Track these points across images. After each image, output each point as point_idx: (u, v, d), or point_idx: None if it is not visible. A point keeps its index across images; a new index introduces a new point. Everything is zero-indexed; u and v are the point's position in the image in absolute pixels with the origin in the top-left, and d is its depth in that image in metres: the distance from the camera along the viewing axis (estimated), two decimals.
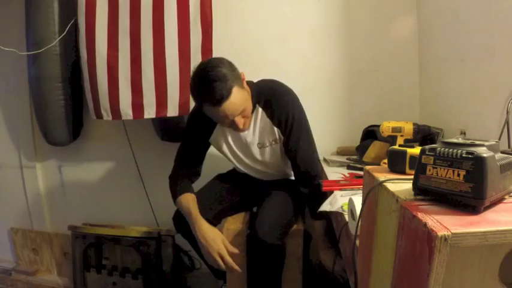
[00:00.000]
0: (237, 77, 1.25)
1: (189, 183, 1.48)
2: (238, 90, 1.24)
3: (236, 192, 1.59)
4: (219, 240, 1.31)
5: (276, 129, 1.40)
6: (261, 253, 1.32)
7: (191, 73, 1.75)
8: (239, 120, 1.28)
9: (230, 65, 1.26)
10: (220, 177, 1.65)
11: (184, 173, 1.48)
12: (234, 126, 1.32)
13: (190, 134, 1.48)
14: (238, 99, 1.24)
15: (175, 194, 1.44)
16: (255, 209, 1.64)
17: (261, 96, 1.38)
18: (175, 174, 1.50)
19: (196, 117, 1.43)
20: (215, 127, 1.44)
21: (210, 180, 1.64)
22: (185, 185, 1.46)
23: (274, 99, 1.38)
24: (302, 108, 1.43)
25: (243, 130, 1.35)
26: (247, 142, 1.44)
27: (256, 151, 1.46)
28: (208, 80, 1.20)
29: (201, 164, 1.51)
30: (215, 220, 1.50)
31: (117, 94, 1.78)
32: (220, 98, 1.20)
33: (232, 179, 1.61)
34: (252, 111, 1.37)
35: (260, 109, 1.39)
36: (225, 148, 1.48)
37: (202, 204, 1.43)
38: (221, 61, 1.25)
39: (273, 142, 1.44)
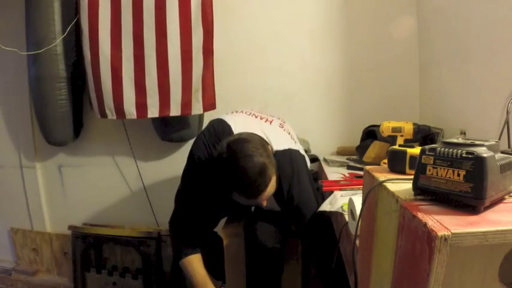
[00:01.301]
0: (272, 162, 1.15)
1: (194, 240, 1.38)
2: (273, 179, 1.15)
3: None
4: None
5: (276, 204, 1.35)
6: (261, 256, 1.32)
7: (196, 71, 1.74)
8: (266, 201, 1.20)
9: (263, 147, 1.14)
10: None
11: (189, 226, 1.38)
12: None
13: (195, 194, 1.35)
14: (272, 187, 1.16)
15: (181, 251, 1.35)
16: (253, 209, 1.64)
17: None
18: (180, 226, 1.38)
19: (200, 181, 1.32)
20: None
21: None
22: (192, 242, 1.37)
23: (283, 180, 1.26)
24: (299, 171, 1.31)
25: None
26: None
27: None
28: (246, 174, 1.08)
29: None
30: (214, 223, 1.50)
31: (121, 94, 1.79)
32: (258, 193, 1.12)
33: None
34: None
35: None
36: None
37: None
38: (254, 146, 1.12)
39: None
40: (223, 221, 1.59)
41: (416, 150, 0.65)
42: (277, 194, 1.24)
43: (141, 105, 1.80)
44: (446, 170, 0.51)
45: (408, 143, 0.96)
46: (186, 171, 1.38)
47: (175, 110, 1.79)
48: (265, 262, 1.33)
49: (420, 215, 0.47)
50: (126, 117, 1.82)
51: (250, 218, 1.46)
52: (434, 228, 0.43)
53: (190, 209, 1.36)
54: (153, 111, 1.80)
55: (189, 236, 1.38)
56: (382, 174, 0.66)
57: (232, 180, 1.12)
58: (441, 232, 0.42)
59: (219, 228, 1.57)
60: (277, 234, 1.34)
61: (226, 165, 1.12)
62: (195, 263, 1.33)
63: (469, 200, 0.49)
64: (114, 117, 1.83)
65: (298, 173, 1.28)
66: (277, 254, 1.34)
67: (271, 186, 1.16)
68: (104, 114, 1.84)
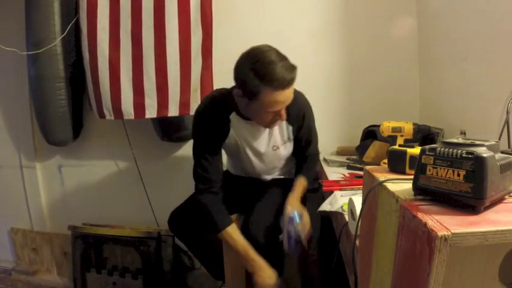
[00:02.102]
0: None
1: (222, 206, 1.38)
2: (294, 85, 1.21)
3: (233, 193, 1.55)
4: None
5: (290, 127, 1.41)
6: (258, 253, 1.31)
7: (195, 71, 1.75)
8: (284, 110, 1.24)
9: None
10: None
11: (213, 189, 1.37)
12: (277, 118, 1.25)
13: (206, 141, 1.36)
14: (292, 95, 1.22)
15: (216, 225, 1.34)
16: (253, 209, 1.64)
17: None
18: (206, 192, 1.37)
19: (208, 123, 1.35)
20: (228, 132, 1.38)
21: None
22: (222, 211, 1.36)
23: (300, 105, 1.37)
24: (310, 104, 1.46)
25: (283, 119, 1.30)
26: (262, 146, 1.41)
27: (269, 153, 1.44)
28: (277, 61, 1.13)
29: (221, 169, 1.42)
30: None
31: (119, 94, 1.79)
32: (291, 79, 1.15)
33: (228, 179, 1.58)
34: None
35: None
36: (240, 151, 1.44)
37: None
38: (271, 47, 1.19)
39: (287, 140, 1.44)
40: None
41: (416, 150, 0.65)
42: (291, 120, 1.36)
43: (139, 105, 1.80)
44: (446, 170, 0.51)
45: (408, 143, 0.96)
46: (196, 119, 1.40)
47: (173, 110, 1.79)
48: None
49: (420, 215, 0.47)
50: (124, 118, 1.82)
51: (246, 216, 1.45)
52: (434, 228, 0.43)
53: (211, 158, 1.36)
54: (151, 112, 1.80)
55: (218, 203, 1.36)
56: (382, 174, 0.66)
57: (262, 69, 1.13)
58: (441, 232, 0.42)
59: None
60: (272, 231, 1.34)
61: (254, 61, 1.15)
62: (234, 234, 1.33)
63: (469, 200, 0.49)
64: (112, 117, 1.83)
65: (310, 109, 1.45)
66: (272, 251, 1.34)
67: (292, 92, 1.20)
68: (102, 115, 1.84)
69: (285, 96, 1.18)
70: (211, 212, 1.34)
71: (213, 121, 1.34)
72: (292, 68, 1.16)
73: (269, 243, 1.32)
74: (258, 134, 1.39)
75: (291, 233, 1.25)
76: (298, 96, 1.35)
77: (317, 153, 1.58)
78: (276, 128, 1.39)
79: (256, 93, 1.16)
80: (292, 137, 1.44)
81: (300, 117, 1.41)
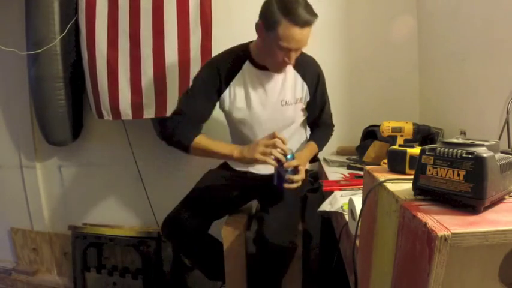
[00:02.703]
0: None
1: (189, 126, 1.36)
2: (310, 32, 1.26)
3: (232, 188, 1.51)
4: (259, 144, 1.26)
5: (305, 86, 1.43)
6: (270, 255, 1.29)
7: (194, 71, 1.71)
8: (296, 55, 1.27)
9: None
10: (213, 174, 1.57)
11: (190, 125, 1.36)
12: (286, 60, 1.27)
13: (204, 86, 1.37)
14: (308, 39, 1.26)
15: (187, 140, 1.33)
16: (256, 207, 1.63)
17: None
18: (178, 123, 1.35)
19: (214, 69, 1.36)
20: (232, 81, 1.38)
21: (202, 178, 1.55)
22: (187, 130, 1.35)
23: (304, 58, 1.41)
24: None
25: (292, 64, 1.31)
26: (272, 97, 1.39)
27: (277, 108, 1.41)
28: (302, 3, 1.20)
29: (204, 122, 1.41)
30: (215, 220, 1.49)
31: (117, 94, 1.79)
32: (309, 20, 1.20)
33: (226, 174, 1.53)
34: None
35: (290, 66, 1.37)
36: (240, 105, 1.40)
37: (200, 204, 1.42)
38: None
39: (298, 100, 1.44)
40: (224, 219, 1.59)
41: (416, 150, 0.65)
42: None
43: (137, 105, 1.79)
44: (446, 170, 0.51)
45: (408, 143, 0.96)
46: (208, 63, 1.43)
47: (171, 111, 1.79)
48: (273, 262, 1.30)
49: (420, 215, 0.47)
50: (122, 118, 1.82)
51: (257, 217, 1.43)
52: (434, 228, 0.43)
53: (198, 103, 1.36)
54: (149, 112, 1.80)
55: (186, 124, 1.35)
56: (382, 174, 0.66)
57: (286, 2, 1.19)
58: (441, 232, 0.42)
59: (220, 226, 1.57)
60: (289, 233, 1.33)
61: None
62: (203, 140, 1.33)
63: (469, 200, 0.49)
64: (110, 117, 1.83)
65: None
66: (288, 254, 1.32)
67: (307, 37, 1.24)
68: (100, 115, 1.84)
69: (301, 35, 1.21)
70: (175, 134, 1.34)
71: (224, 68, 1.36)
72: (314, 13, 1.22)
73: (284, 246, 1.29)
74: (269, 84, 1.39)
75: (279, 169, 1.27)
76: (314, 60, 1.46)
77: (331, 123, 1.62)
78: (289, 82, 1.40)
79: (274, 22, 1.20)
80: (305, 97, 1.45)
81: (315, 78, 1.45)
